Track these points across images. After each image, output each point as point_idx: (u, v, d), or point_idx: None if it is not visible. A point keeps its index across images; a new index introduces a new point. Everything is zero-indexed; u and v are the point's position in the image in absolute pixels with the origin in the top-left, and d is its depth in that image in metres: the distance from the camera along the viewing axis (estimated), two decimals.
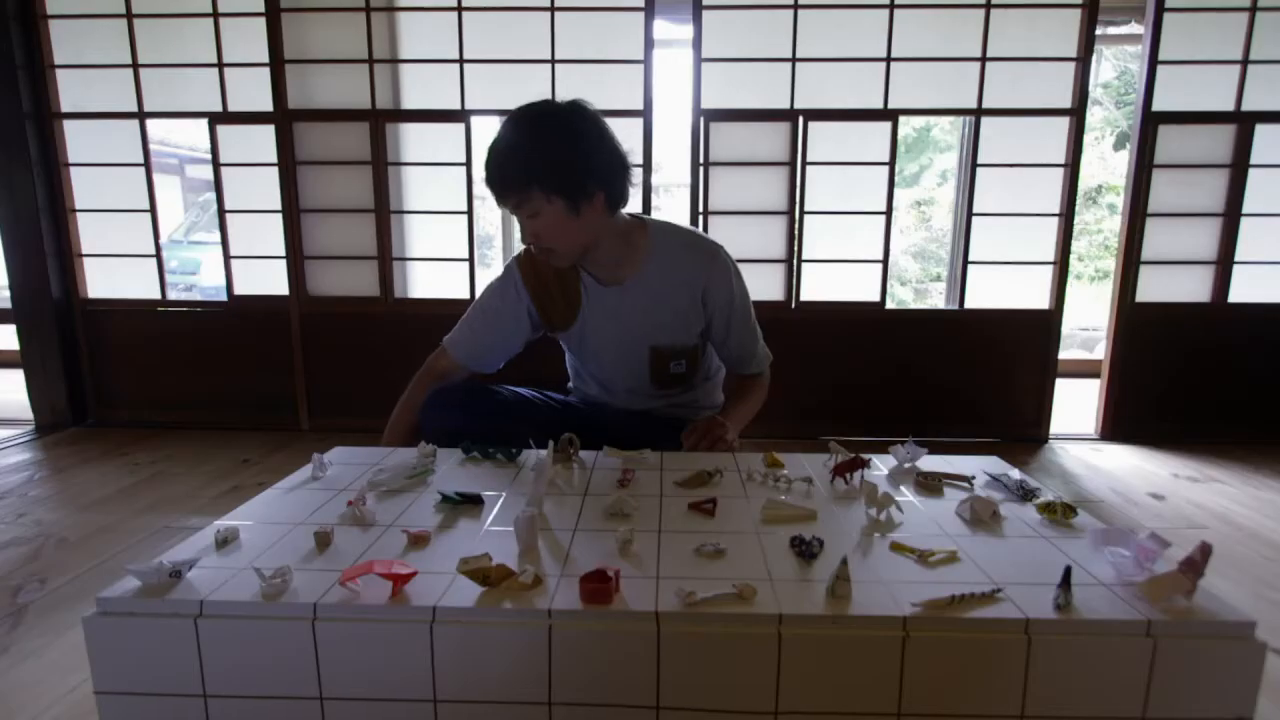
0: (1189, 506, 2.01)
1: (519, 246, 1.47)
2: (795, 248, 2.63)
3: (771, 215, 2.63)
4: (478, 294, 2.62)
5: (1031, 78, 2.53)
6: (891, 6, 2.49)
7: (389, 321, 2.72)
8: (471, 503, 0.98)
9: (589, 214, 1.25)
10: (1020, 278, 2.66)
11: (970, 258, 2.65)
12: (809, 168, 2.59)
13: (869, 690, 0.70)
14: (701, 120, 2.56)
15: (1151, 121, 2.53)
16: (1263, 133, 2.53)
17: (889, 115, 2.55)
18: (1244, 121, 2.53)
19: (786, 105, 2.55)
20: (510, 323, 1.45)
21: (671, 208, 7.31)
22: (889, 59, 2.52)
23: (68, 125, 2.68)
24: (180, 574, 0.76)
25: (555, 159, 1.20)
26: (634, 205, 2.62)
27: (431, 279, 2.76)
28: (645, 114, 2.54)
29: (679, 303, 1.38)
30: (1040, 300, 2.66)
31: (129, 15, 2.60)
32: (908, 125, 8.15)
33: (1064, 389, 2.82)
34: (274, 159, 2.64)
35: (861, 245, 2.64)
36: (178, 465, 2.31)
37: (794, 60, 2.53)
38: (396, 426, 1.42)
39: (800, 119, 2.55)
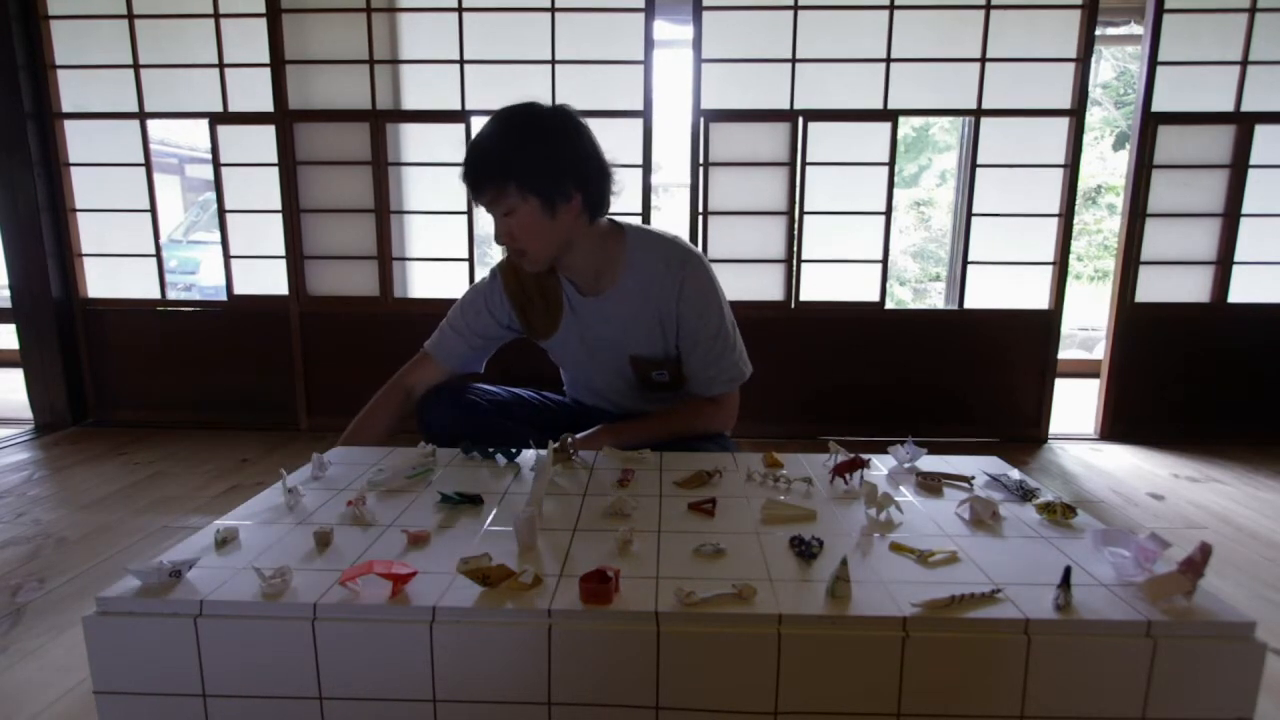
0: (1189, 507, 2.01)
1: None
2: (795, 248, 2.63)
3: (771, 215, 2.63)
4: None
5: (1031, 78, 2.53)
6: (891, 7, 2.49)
7: (389, 321, 2.72)
8: (471, 503, 0.98)
9: (564, 216, 1.23)
10: (1020, 278, 2.66)
11: (970, 258, 2.65)
12: (809, 168, 2.59)
13: (869, 690, 0.70)
14: (701, 120, 2.56)
15: (1151, 122, 2.53)
16: (1262, 133, 2.53)
17: (889, 116, 2.55)
18: (1243, 122, 2.54)
19: (786, 106, 2.55)
20: (492, 327, 1.44)
21: (671, 208, 7.32)
22: (889, 59, 2.52)
23: (69, 125, 2.68)
24: (180, 574, 0.76)
25: (533, 155, 1.19)
26: (634, 205, 2.63)
27: (431, 279, 2.76)
28: (645, 114, 2.54)
29: (654, 317, 1.34)
30: (1040, 300, 2.66)
31: (130, 15, 2.60)
32: (907, 125, 8.15)
33: (1064, 389, 2.82)
34: (274, 159, 2.64)
35: (861, 245, 2.64)
36: (177, 465, 2.31)
37: (794, 61, 2.53)
38: (359, 433, 1.36)
39: (800, 119, 2.55)
